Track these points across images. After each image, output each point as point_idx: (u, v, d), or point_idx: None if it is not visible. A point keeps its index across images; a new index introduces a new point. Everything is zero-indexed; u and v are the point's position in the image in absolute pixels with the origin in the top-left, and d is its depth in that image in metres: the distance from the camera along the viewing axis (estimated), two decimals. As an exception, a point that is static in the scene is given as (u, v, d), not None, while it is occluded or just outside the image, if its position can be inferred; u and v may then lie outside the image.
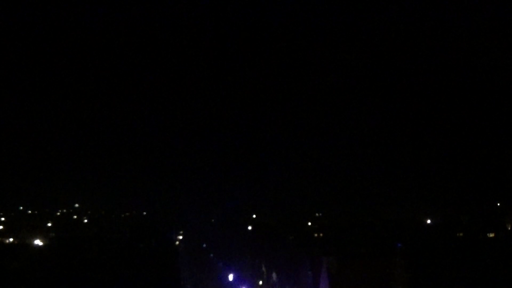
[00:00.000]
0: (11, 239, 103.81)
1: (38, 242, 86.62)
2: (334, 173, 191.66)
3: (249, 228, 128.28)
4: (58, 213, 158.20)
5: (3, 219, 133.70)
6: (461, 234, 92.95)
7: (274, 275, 71.82)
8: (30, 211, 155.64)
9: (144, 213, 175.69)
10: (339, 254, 55.52)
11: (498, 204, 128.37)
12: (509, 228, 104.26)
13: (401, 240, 58.38)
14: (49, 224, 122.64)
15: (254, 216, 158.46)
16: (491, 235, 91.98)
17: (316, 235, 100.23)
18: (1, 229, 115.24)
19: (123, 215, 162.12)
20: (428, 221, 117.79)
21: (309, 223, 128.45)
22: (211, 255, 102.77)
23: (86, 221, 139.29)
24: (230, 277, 79.97)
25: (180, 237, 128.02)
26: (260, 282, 78.06)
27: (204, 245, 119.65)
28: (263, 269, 77.92)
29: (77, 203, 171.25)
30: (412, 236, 77.03)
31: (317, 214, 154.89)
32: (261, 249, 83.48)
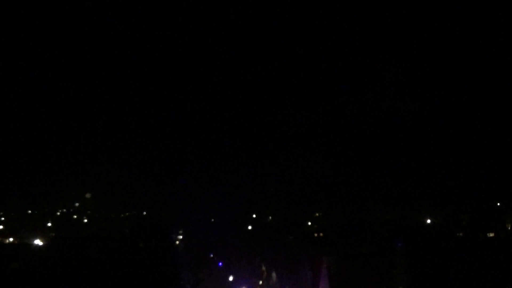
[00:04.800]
0: (11, 239, 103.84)
1: (38, 242, 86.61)
2: (334, 173, 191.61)
3: (249, 228, 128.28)
4: (58, 213, 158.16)
5: (3, 219, 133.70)
6: (461, 234, 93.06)
7: (274, 275, 71.85)
8: (30, 211, 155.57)
9: (144, 213, 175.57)
10: (339, 254, 55.55)
11: (498, 204, 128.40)
12: (509, 228, 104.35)
13: (401, 240, 58.48)
14: (49, 224, 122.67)
15: (254, 216, 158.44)
16: (491, 235, 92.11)
17: (316, 235, 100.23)
18: (1, 229, 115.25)
19: (123, 215, 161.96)
20: (428, 221, 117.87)
21: (309, 223, 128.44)
22: (211, 255, 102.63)
23: (86, 221, 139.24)
24: (230, 277, 79.94)
25: (180, 237, 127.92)
26: (260, 282, 78.08)
27: (204, 245, 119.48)
28: (263, 269, 77.96)
29: (77, 203, 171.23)
30: (412, 236, 77.08)
31: (317, 214, 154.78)
32: (261, 249, 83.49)
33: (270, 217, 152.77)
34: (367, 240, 72.55)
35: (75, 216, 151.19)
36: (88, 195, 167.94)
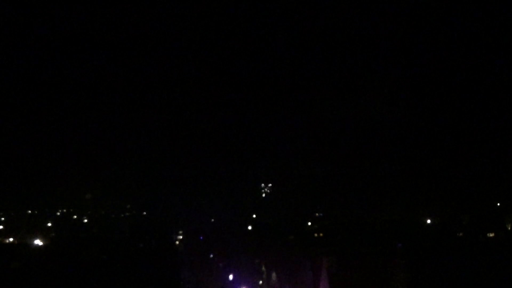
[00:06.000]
0: (11, 239, 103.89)
1: (38, 242, 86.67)
2: (334, 173, 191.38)
3: (249, 228, 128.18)
4: (58, 213, 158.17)
5: (3, 219, 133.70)
6: (461, 234, 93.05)
7: (274, 275, 71.88)
8: (30, 211, 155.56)
9: (144, 213, 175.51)
10: (339, 254, 55.54)
11: (498, 204, 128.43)
12: (509, 228, 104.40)
13: (401, 240, 58.41)
14: (49, 224, 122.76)
15: (254, 216, 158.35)
16: (491, 235, 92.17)
17: (316, 235, 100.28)
18: (1, 229, 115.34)
19: (123, 215, 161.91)
20: (428, 221, 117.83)
21: (309, 223, 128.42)
22: (211, 255, 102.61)
23: (86, 221, 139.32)
24: (230, 277, 79.97)
25: (180, 237, 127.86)
26: (260, 282, 78.12)
27: (204, 245, 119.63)
28: (263, 269, 77.98)
29: (77, 203, 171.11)
30: (412, 236, 77.07)
31: (317, 214, 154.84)
32: (261, 249, 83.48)
33: (270, 217, 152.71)
34: (367, 240, 72.48)
35: (75, 216, 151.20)
36: (88, 195, 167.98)
